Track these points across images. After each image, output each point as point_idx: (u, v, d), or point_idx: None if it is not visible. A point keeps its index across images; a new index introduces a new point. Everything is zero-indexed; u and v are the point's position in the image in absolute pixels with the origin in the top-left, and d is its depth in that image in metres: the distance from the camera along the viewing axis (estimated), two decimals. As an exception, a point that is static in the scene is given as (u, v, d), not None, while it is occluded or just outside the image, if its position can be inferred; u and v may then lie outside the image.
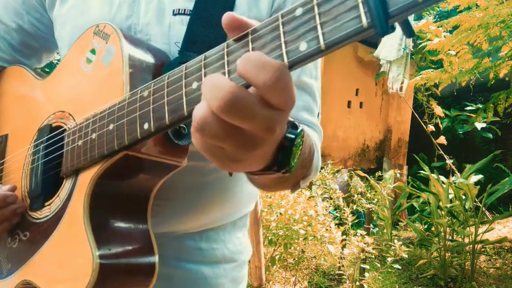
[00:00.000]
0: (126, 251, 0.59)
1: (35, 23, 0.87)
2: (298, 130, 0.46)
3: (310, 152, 0.62)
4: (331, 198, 3.80)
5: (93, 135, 0.59)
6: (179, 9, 0.69)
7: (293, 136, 0.45)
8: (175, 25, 0.69)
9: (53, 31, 0.84)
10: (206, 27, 0.66)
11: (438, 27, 5.02)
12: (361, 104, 6.56)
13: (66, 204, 0.62)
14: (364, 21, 0.34)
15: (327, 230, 3.03)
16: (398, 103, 6.43)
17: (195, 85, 0.44)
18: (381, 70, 5.14)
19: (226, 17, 0.40)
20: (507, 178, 4.15)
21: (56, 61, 5.29)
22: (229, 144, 0.39)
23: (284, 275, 3.30)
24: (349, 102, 6.44)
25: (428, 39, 4.89)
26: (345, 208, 3.49)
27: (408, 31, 0.36)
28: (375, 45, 6.12)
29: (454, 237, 4.01)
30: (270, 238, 2.90)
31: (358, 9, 0.34)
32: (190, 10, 0.69)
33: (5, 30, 0.87)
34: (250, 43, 0.41)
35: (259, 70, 0.36)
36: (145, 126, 0.51)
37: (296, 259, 3.08)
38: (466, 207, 3.92)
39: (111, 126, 0.56)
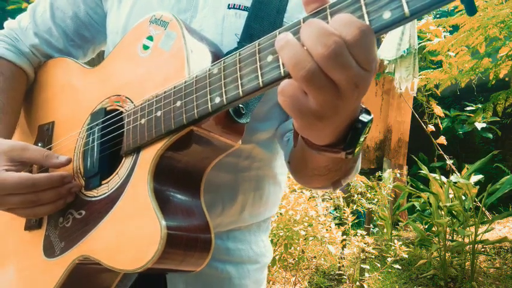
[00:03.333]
0: (188, 225, 0.61)
1: (90, 13, 0.89)
2: (370, 117, 0.49)
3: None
4: (331, 199, 3.81)
5: (158, 113, 0.61)
6: (234, 4, 0.74)
7: (365, 120, 0.48)
8: (229, 17, 0.73)
9: (105, 22, 0.86)
10: (261, 24, 0.71)
11: (438, 25, 5.02)
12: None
13: (127, 180, 0.64)
14: None
15: (327, 230, 3.04)
16: (398, 103, 6.43)
17: (270, 58, 0.47)
18: (386, 71, 5.12)
19: None
20: (506, 177, 4.14)
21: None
22: (318, 98, 0.41)
23: (284, 275, 3.31)
24: (349, 102, 6.44)
25: (428, 39, 4.89)
26: (345, 208, 3.49)
27: (471, 9, 0.39)
28: (374, 45, 6.11)
29: (454, 237, 4.02)
30: (270, 238, 2.91)
31: None
32: (245, 6, 0.74)
33: (61, 18, 0.89)
34: (329, 16, 0.43)
35: (346, 26, 0.39)
36: (217, 100, 0.53)
37: (296, 259, 3.09)
38: (466, 207, 3.92)
39: (178, 103, 0.58)
